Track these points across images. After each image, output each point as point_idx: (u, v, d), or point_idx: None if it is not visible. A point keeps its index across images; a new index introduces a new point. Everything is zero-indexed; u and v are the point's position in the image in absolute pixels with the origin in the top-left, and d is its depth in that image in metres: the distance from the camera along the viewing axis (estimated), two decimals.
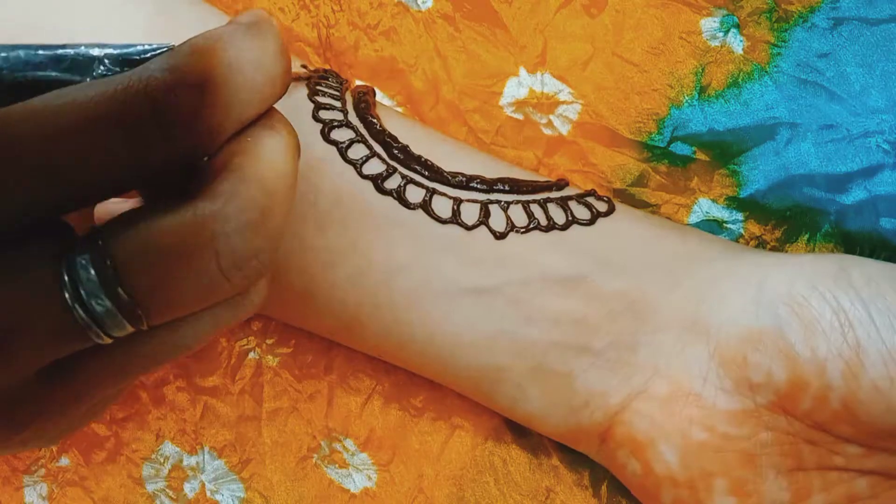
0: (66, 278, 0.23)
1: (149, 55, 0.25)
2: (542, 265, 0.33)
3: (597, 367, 0.33)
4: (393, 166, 0.33)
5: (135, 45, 0.25)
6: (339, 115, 0.34)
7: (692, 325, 0.32)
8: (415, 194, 0.33)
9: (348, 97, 0.35)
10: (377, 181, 0.33)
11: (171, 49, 0.25)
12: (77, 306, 0.23)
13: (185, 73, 0.23)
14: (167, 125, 0.23)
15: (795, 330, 0.31)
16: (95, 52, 0.25)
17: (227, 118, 0.24)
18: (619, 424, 0.33)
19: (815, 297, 0.31)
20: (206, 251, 0.23)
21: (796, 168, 0.36)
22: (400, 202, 0.33)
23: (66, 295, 0.23)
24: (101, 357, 0.25)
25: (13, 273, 0.23)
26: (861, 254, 0.36)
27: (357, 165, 0.33)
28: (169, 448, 0.37)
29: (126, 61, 0.25)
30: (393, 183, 0.33)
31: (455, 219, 0.33)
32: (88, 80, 0.25)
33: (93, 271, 0.23)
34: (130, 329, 0.24)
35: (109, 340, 0.24)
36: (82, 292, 0.23)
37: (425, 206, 0.33)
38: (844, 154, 0.36)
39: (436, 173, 0.33)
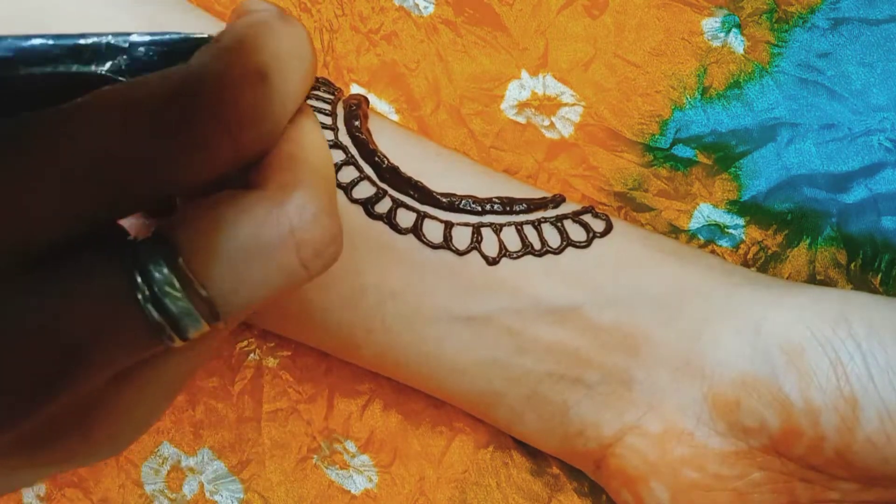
0: (138, 280, 0.21)
1: (184, 44, 0.23)
2: (534, 294, 0.32)
3: (590, 400, 0.32)
4: (383, 189, 0.33)
5: (164, 35, 0.23)
6: (329, 135, 0.33)
7: (686, 364, 0.32)
8: (405, 218, 0.32)
9: (340, 110, 0.34)
10: (367, 205, 0.32)
11: (208, 39, 0.23)
12: (151, 308, 0.22)
13: (244, 67, 0.22)
14: (234, 124, 0.22)
15: (791, 379, 0.30)
16: (119, 41, 0.23)
17: (284, 112, 0.23)
18: (613, 456, 0.33)
19: (813, 346, 0.30)
20: (287, 246, 0.23)
21: (797, 168, 0.36)
22: (390, 226, 0.32)
23: (140, 297, 0.21)
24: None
25: (81, 281, 0.21)
26: (863, 256, 0.36)
27: (347, 190, 0.32)
28: (168, 449, 0.36)
29: (160, 52, 0.23)
30: (383, 207, 0.32)
31: (446, 244, 0.32)
32: (109, 72, 0.23)
33: (166, 270, 0.22)
34: (206, 329, 0.23)
35: (182, 343, 0.22)
36: (157, 292, 0.21)
37: (416, 231, 0.32)
38: (846, 153, 0.36)
39: (426, 196, 0.33)
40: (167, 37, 0.23)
